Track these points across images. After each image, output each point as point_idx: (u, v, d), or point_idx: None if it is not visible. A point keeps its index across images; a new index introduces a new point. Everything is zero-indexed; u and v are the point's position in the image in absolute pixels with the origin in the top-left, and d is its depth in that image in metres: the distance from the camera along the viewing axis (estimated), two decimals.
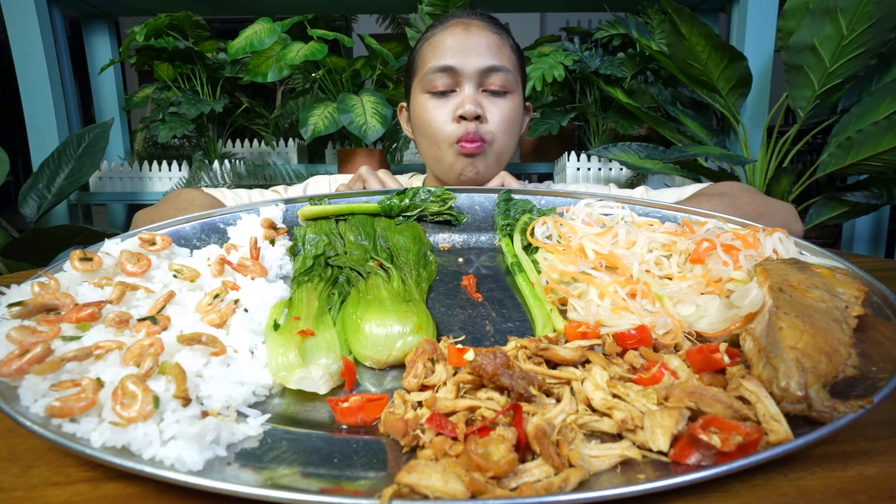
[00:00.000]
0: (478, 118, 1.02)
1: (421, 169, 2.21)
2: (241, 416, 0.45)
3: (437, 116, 1.04)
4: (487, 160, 1.05)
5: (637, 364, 0.49)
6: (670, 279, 0.65)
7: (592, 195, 0.85)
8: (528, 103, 1.20)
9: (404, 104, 1.22)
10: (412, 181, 1.29)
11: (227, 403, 0.45)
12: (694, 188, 1.10)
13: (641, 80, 2.16)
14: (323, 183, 1.29)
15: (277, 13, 2.14)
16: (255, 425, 0.44)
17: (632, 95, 2.06)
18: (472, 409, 0.43)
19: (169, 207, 1.02)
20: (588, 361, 0.49)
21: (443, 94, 1.05)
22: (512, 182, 1.00)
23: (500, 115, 1.04)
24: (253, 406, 0.47)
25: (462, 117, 1.02)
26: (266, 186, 1.94)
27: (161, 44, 1.99)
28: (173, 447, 0.38)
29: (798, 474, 0.38)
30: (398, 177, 1.31)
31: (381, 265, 0.69)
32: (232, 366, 0.50)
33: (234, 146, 2.38)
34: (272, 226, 0.75)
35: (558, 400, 0.44)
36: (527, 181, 1.20)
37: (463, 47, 1.03)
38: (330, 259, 0.71)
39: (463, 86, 1.03)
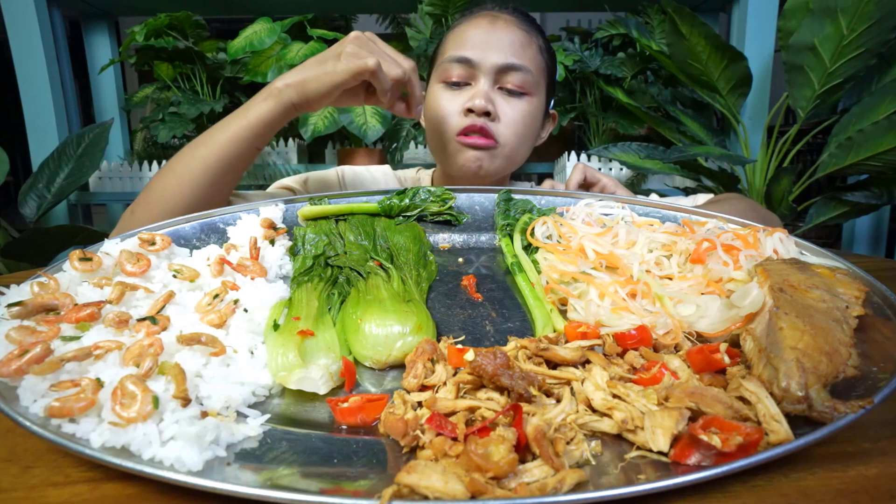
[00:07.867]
0: (487, 114, 0.98)
1: (423, 165, 2.21)
2: (241, 416, 0.45)
3: (446, 106, 1.01)
4: (495, 161, 1.02)
5: (637, 364, 0.49)
6: (670, 279, 0.65)
7: (600, 196, 0.84)
8: (552, 111, 1.16)
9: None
10: (419, 175, 1.26)
11: (227, 404, 0.45)
12: (704, 198, 1.11)
13: (641, 80, 2.16)
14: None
15: (277, 13, 2.14)
16: (255, 425, 0.43)
17: (632, 95, 2.06)
18: (472, 410, 0.43)
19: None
20: (588, 362, 0.49)
21: (457, 85, 1.01)
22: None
23: (512, 116, 1.00)
24: (253, 406, 0.47)
25: (470, 110, 0.98)
26: (264, 187, 1.94)
27: (161, 44, 2.00)
28: (173, 447, 0.38)
29: (798, 475, 0.37)
30: (405, 171, 1.29)
31: (380, 265, 0.69)
32: (232, 366, 0.50)
33: None
34: (272, 226, 0.75)
35: (558, 400, 0.44)
36: (532, 183, 1.19)
37: (484, 41, 0.99)
38: (330, 259, 0.71)
39: (478, 79, 1.00)
